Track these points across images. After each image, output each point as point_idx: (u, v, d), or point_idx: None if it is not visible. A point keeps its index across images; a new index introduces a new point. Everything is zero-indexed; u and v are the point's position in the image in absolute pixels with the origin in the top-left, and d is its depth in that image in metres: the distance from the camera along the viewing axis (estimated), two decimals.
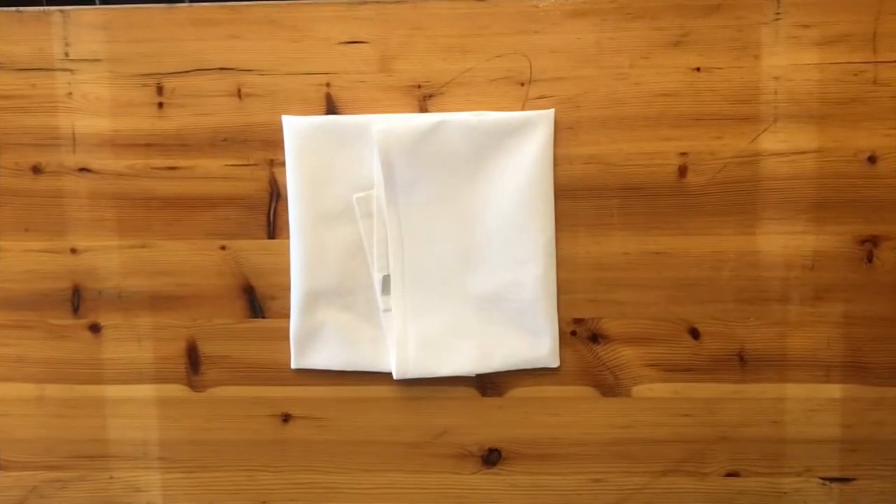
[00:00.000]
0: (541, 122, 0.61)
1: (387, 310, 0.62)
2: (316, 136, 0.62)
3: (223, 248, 0.64)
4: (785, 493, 0.64)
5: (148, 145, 0.63)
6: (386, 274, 0.62)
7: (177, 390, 0.65)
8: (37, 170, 0.64)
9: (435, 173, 0.61)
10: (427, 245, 0.62)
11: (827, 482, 0.64)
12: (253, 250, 0.64)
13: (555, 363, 0.63)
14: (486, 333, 0.63)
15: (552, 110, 0.61)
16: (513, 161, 0.61)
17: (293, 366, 0.64)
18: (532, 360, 0.63)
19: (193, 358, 0.65)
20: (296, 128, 0.62)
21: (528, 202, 0.61)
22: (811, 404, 0.63)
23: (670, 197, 0.62)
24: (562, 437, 0.64)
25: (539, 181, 0.61)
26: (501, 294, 0.62)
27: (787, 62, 0.60)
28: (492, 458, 0.65)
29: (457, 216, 0.62)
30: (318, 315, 0.63)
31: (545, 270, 0.62)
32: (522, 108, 0.61)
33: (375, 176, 0.62)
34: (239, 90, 0.63)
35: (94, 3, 0.68)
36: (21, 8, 0.63)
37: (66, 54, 0.63)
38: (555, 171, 0.62)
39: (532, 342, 0.62)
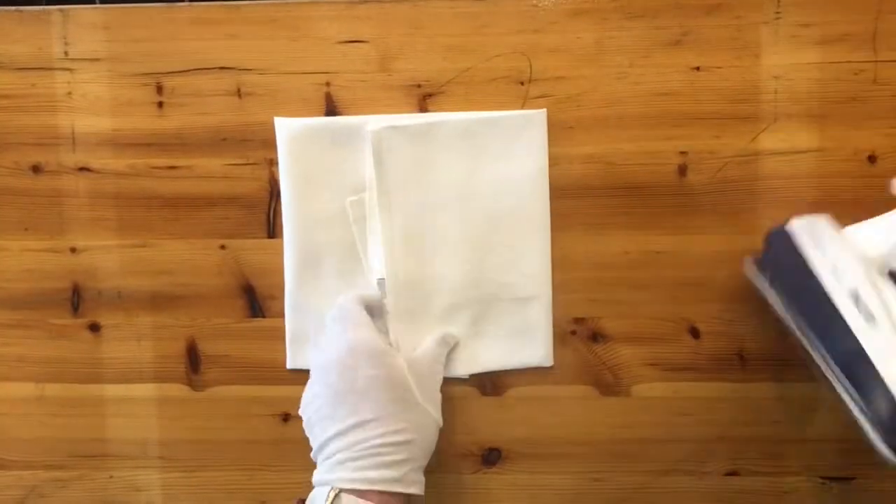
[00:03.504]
0: (533, 121, 0.61)
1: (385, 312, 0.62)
2: (309, 137, 0.62)
3: (223, 247, 0.64)
4: (785, 492, 0.64)
5: (148, 145, 0.63)
6: (381, 278, 0.62)
7: (177, 390, 0.65)
8: (37, 170, 0.64)
9: (428, 174, 0.61)
10: (420, 247, 0.62)
11: (827, 481, 0.64)
12: (253, 250, 0.64)
13: (549, 363, 0.63)
14: (479, 334, 0.63)
15: (544, 110, 0.61)
16: (505, 161, 0.61)
17: (288, 366, 0.64)
18: (526, 360, 0.63)
19: (193, 358, 0.65)
20: (288, 129, 0.62)
21: (522, 202, 0.61)
22: (811, 403, 0.63)
23: (670, 196, 0.62)
24: (562, 436, 0.64)
25: (533, 180, 0.61)
26: (496, 294, 0.62)
27: (787, 61, 0.60)
28: (492, 457, 0.65)
29: (450, 218, 0.62)
30: (313, 317, 0.63)
31: (540, 269, 0.62)
32: (522, 108, 0.61)
33: (367, 177, 0.62)
34: (239, 90, 0.63)
35: (94, 3, 0.68)
36: (21, 8, 0.63)
37: (66, 54, 0.63)
38: (554, 170, 0.62)
39: (526, 342, 0.62)
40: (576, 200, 0.62)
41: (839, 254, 0.50)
